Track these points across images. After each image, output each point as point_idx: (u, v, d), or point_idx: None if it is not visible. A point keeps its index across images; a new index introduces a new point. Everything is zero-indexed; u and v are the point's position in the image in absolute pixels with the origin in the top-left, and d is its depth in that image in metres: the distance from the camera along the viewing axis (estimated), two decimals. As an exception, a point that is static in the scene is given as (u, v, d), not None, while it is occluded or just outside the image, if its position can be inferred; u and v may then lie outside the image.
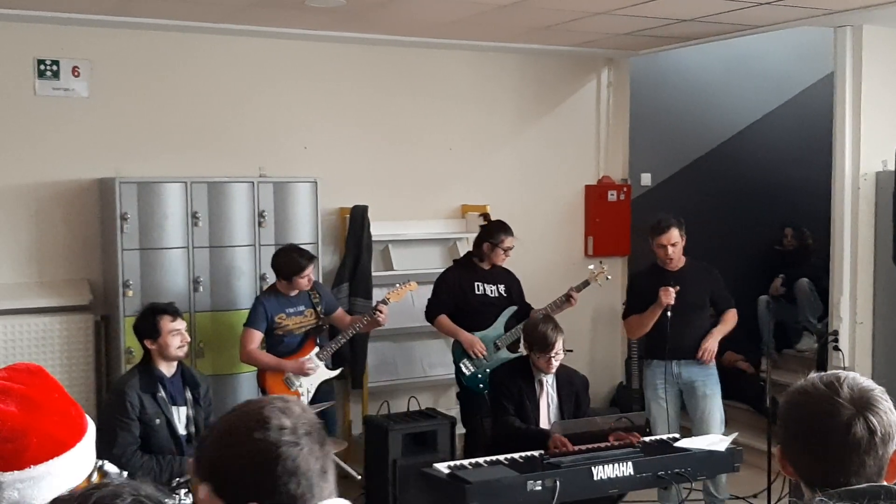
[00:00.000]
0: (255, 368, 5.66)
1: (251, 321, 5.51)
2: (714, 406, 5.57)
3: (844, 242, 6.25)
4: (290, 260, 5.51)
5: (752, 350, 7.38)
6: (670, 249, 5.53)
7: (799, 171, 8.03)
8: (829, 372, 1.88)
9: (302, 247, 5.69)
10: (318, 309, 5.65)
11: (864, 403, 1.79)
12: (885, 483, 1.78)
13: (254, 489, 1.64)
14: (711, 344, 5.56)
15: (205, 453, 1.72)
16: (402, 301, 6.50)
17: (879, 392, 1.83)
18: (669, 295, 5.44)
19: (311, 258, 5.57)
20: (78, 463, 1.77)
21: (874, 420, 1.77)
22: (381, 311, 5.62)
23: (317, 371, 5.60)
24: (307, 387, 5.56)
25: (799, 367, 7.23)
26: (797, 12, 5.72)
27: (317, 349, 5.62)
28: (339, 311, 5.82)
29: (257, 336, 5.49)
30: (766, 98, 8.39)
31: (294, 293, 5.57)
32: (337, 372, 5.78)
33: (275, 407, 1.71)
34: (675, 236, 5.53)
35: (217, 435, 1.72)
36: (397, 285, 5.81)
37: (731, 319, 5.71)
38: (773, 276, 7.96)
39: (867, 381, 1.84)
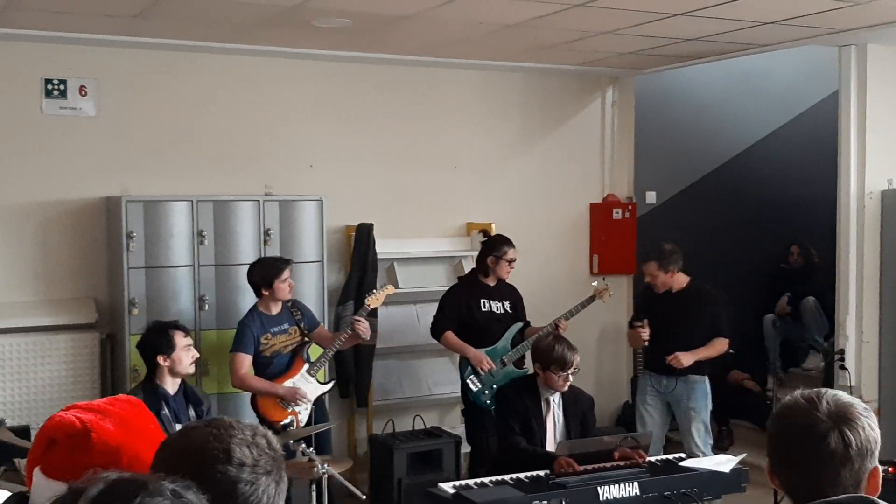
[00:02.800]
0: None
1: (238, 345, 5.42)
2: (698, 420, 5.79)
3: (850, 261, 6.23)
4: (266, 266, 5.49)
5: (759, 369, 7.36)
6: (647, 278, 5.90)
7: (804, 189, 8.02)
8: (813, 389, 1.96)
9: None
10: (301, 325, 5.60)
11: (841, 417, 1.86)
12: (863, 495, 1.85)
13: None
14: (684, 356, 5.69)
15: (162, 465, 1.69)
16: (407, 319, 6.53)
17: (861, 408, 1.91)
18: (635, 338, 5.92)
19: (287, 261, 5.54)
20: None
21: (850, 434, 1.84)
22: (359, 321, 5.52)
23: (311, 387, 5.54)
24: (303, 405, 5.51)
25: (805, 385, 7.14)
26: (802, 31, 5.73)
27: (306, 366, 5.57)
28: (321, 328, 5.78)
29: (247, 360, 5.42)
30: (771, 116, 8.39)
31: (277, 310, 5.51)
32: (329, 386, 5.72)
33: (242, 438, 1.70)
34: (650, 269, 5.85)
35: (178, 452, 1.70)
36: (374, 290, 5.73)
37: (717, 345, 5.83)
38: (779, 294, 7.95)
39: (849, 398, 1.93)
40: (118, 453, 1.79)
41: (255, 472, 1.67)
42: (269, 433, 1.77)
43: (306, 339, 5.63)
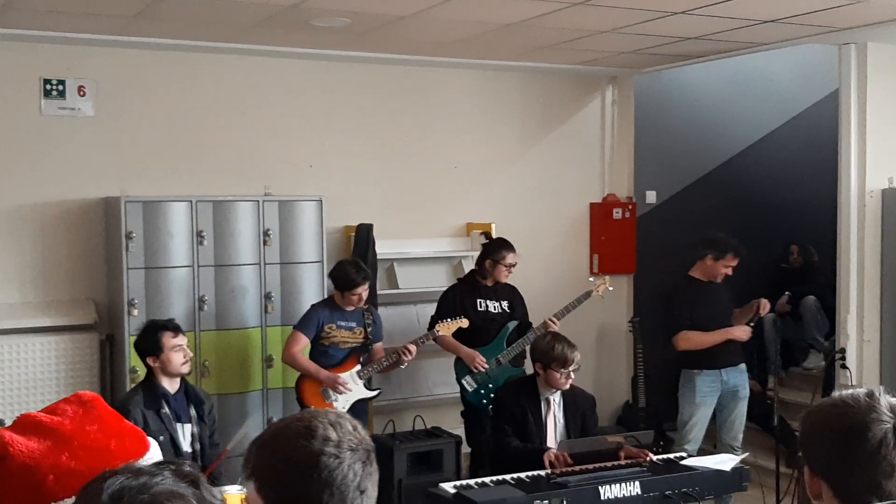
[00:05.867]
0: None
1: (301, 325, 5.58)
2: (745, 407, 6.07)
3: (851, 260, 6.22)
4: (345, 274, 5.59)
5: (759, 368, 7.33)
6: (730, 271, 6.02)
7: (804, 188, 8.01)
8: (859, 388, 1.95)
9: (362, 265, 5.75)
10: (369, 331, 5.68)
11: None
12: None
13: (289, 493, 1.71)
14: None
15: (253, 452, 1.78)
16: (407, 320, 6.56)
17: None
18: (747, 333, 5.95)
19: (366, 277, 5.62)
20: None
21: None
22: (408, 348, 5.63)
23: (353, 390, 5.59)
24: (343, 403, 5.56)
25: (806, 385, 7.20)
26: (801, 30, 5.73)
27: (358, 367, 5.64)
28: (379, 345, 5.83)
29: (303, 340, 5.54)
30: (771, 115, 8.38)
31: (351, 308, 5.63)
32: (375, 393, 5.79)
33: (325, 420, 1.76)
34: (737, 262, 6.04)
35: (266, 436, 1.79)
36: (448, 319, 5.81)
37: None
38: (779, 294, 7.92)
39: (890, 396, 1.93)
40: (39, 472, 1.75)
41: (338, 447, 1.72)
42: (356, 421, 1.82)
43: (368, 343, 5.69)
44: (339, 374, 5.57)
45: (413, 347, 5.67)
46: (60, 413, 1.85)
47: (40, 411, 1.89)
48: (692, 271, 6.07)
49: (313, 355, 5.60)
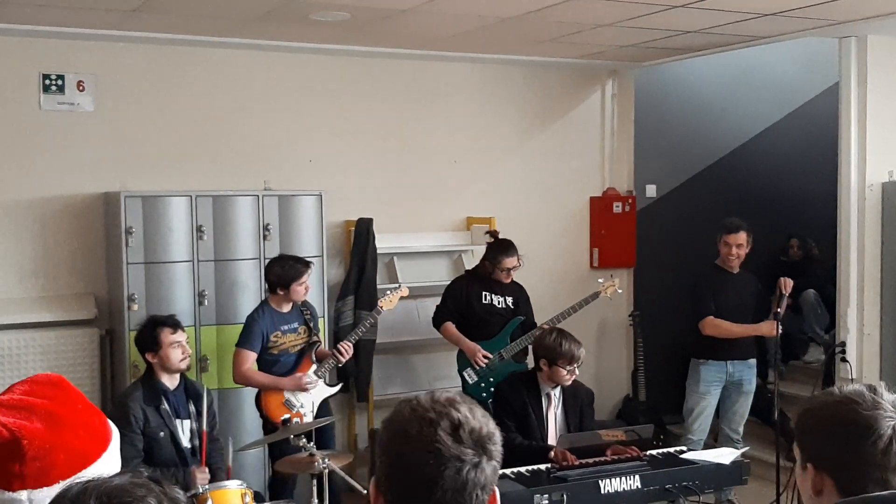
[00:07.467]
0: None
1: (245, 341, 5.31)
2: (749, 401, 6.13)
3: (851, 253, 6.22)
4: (287, 267, 5.36)
5: (759, 362, 7.33)
6: (734, 249, 5.94)
7: (804, 181, 8.00)
8: (856, 383, 1.95)
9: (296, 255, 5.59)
10: (311, 325, 5.52)
11: None
12: None
13: (398, 490, 1.64)
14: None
15: (380, 430, 1.73)
16: (407, 314, 6.52)
17: None
18: (773, 329, 5.75)
19: (307, 264, 5.44)
20: (103, 473, 1.72)
21: None
22: (345, 346, 5.49)
23: (317, 388, 5.47)
24: (309, 407, 5.42)
25: (806, 378, 7.20)
26: (801, 23, 5.71)
27: (314, 366, 5.48)
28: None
29: (251, 356, 5.30)
30: (771, 109, 8.37)
31: (287, 308, 5.43)
32: (337, 388, 5.68)
33: (448, 419, 1.69)
34: (742, 238, 5.95)
35: (386, 421, 1.72)
36: (388, 293, 5.71)
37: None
38: (779, 287, 7.92)
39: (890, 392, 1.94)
40: (52, 454, 1.70)
41: (461, 460, 1.63)
42: (485, 417, 1.72)
43: (315, 339, 5.54)
44: (298, 374, 5.40)
45: (347, 345, 5.49)
46: (41, 395, 1.79)
47: (5, 394, 1.80)
48: (718, 259, 6.14)
49: (263, 367, 5.36)
